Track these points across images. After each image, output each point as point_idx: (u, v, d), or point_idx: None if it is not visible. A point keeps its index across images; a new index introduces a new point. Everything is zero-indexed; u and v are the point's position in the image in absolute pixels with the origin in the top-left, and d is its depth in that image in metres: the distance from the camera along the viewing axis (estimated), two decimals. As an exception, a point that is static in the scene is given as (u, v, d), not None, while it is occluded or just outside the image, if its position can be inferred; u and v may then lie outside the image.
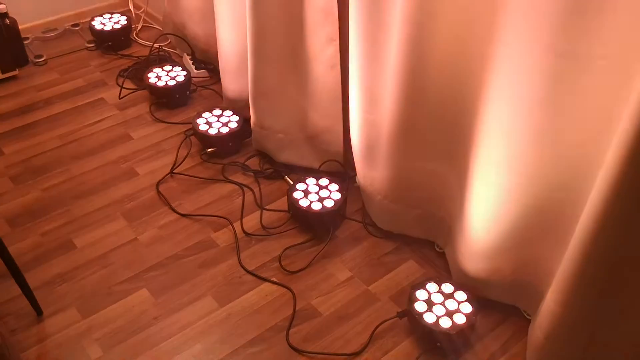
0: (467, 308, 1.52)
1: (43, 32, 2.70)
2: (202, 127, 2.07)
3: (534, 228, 1.44)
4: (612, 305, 1.26)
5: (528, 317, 1.59)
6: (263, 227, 1.85)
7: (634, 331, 1.29)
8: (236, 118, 2.11)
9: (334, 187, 1.85)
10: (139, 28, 2.77)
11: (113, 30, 2.60)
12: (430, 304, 1.53)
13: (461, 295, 1.55)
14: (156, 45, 2.57)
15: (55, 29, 2.73)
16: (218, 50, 2.13)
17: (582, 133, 1.24)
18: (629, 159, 1.06)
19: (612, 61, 1.12)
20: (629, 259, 1.19)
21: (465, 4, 1.29)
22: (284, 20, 1.74)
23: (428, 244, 1.80)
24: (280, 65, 1.84)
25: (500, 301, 1.61)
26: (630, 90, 1.06)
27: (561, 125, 1.25)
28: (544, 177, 1.34)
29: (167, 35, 2.62)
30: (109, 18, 2.65)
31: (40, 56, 2.56)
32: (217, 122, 2.09)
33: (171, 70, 2.34)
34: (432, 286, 1.57)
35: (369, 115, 1.67)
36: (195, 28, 2.40)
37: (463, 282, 1.60)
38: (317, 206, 1.79)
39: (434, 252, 1.78)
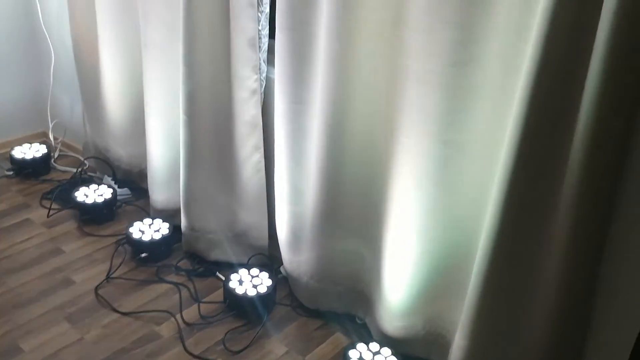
0: (394, 360, 1.80)
1: (-41, 163, 2.80)
2: (136, 235, 2.26)
3: (439, 286, 1.77)
4: (509, 332, 1.59)
5: (442, 367, 1.88)
6: (202, 317, 2.03)
7: (529, 350, 1.61)
8: (167, 225, 2.33)
9: (265, 275, 2.10)
10: (56, 156, 2.95)
11: (33, 159, 2.78)
12: (362, 360, 1.79)
13: (386, 350, 1.83)
14: (79, 169, 2.77)
15: (-29, 160, 2.84)
16: (147, 165, 2.38)
17: (466, 202, 1.63)
18: (501, 221, 1.44)
19: (480, 145, 1.55)
20: (514, 295, 1.55)
21: (369, 110, 1.70)
22: (215, 133, 2.07)
23: (350, 317, 2.07)
24: (211, 172, 2.14)
25: (417, 356, 1.89)
26: (496, 166, 1.48)
27: (451, 198, 1.64)
28: (442, 242, 1.70)
29: (88, 160, 2.83)
30: (29, 147, 2.83)
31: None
32: (149, 230, 2.30)
33: (97, 188, 2.54)
34: (361, 346, 1.84)
35: (294, 207, 1.98)
36: (119, 150, 2.64)
37: (385, 341, 1.88)
38: (252, 292, 2.02)
39: (356, 324, 2.05)
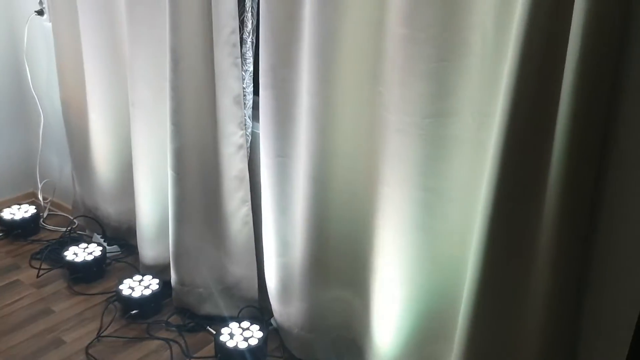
0: (386, 408, 1.80)
1: (-53, 227, 2.81)
2: (126, 292, 2.27)
3: (428, 331, 1.79)
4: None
5: (435, 413, 1.88)
6: (194, 373, 2.04)
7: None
8: (156, 281, 2.35)
9: (255, 327, 2.11)
10: (45, 215, 2.97)
11: (23, 219, 2.80)
12: (355, 410, 1.79)
13: (379, 399, 1.83)
14: (68, 228, 2.79)
15: (-40, 223, 2.85)
16: (137, 222, 2.41)
17: (450, 246, 1.67)
18: (484, 264, 1.48)
19: (459, 192, 1.61)
20: (500, 335, 1.58)
21: (351, 161, 1.76)
22: (202, 188, 2.11)
23: (342, 366, 2.08)
24: (200, 227, 2.17)
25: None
26: (476, 212, 1.53)
27: (435, 242, 1.68)
28: (429, 287, 1.74)
29: (77, 218, 2.85)
30: (18, 208, 2.85)
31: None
32: (139, 286, 2.31)
33: (87, 247, 2.56)
34: (354, 395, 1.84)
35: (282, 258, 2.01)
36: (108, 208, 2.67)
37: (378, 390, 1.88)
38: (243, 345, 2.03)
39: (348, 374, 2.06)
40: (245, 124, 2.02)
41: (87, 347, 2.12)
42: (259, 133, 1.97)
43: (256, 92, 1.99)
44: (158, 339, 2.18)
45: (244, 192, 2.08)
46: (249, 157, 2.07)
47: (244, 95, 1.99)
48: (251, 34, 1.94)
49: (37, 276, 2.51)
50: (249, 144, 2.06)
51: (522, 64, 1.29)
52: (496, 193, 1.40)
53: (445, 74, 1.48)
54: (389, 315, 1.81)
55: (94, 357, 2.07)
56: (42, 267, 2.56)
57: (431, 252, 1.69)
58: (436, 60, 1.47)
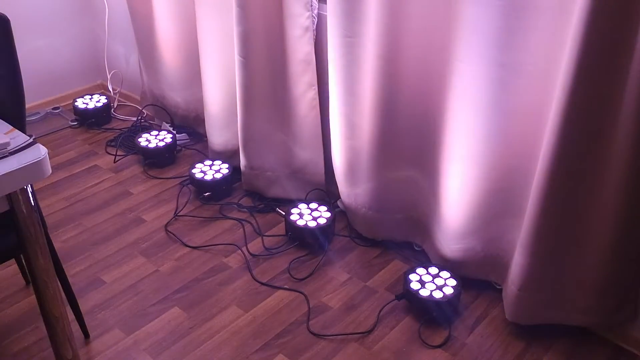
0: (453, 282, 1.87)
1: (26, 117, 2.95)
2: (198, 175, 2.38)
3: (495, 207, 1.81)
4: (566, 250, 1.64)
5: (499, 287, 1.95)
6: (266, 248, 2.15)
7: (587, 269, 1.67)
8: (226, 165, 2.43)
9: (323, 208, 2.19)
10: (115, 106, 3.08)
11: (95, 108, 2.91)
12: (422, 282, 1.87)
13: (445, 273, 1.90)
14: (138, 117, 2.89)
15: (38, 113, 2.99)
16: (205, 109, 2.47)
17: (524, 123, 1.65)
18: (559, 139, 1.47)
19: (537, 67, 1.56)
20: (572, 214, 1.59)
21: (423, 38, 1.72)
22: (269, 73, 2.13)
23: (408, 245, 2.15)
24: (267, 112, 2.21)
25: (476, 277, 1.96)
26: (553, 87, 1.49)
27: (506, 120, 1.67)
28: (498, 164, 1.74)
29: (146, 108, 2.94)
30: (90, 98, 2.96)
31: (30, 136, 2.79)
32: (210, 170, 2.41)
33: (158, 134, 2.66)
34: (421, 270, 1.92)
35: (350, 141, 2.04)
36: (175, 97, 2.73)
37: (443, 265, 1.95)
38: (312, 224, 2.12)
39: (414, 251, 2.13)
40: (312, 5, 1.99)
41: (166, 225, 2.26)
42: (325, 15, 1.94)
43: (322, -29, 1.94)
44: (231, 218, 2.29)
45: (311, 75, 2.08)
46: (316, 39, 2.05)
47: (310, -25, 1.95)
48: None
49: (114, 161, 2.64)
50: (315, 26, 2.04)
51: None
52: (578, 63, 1.36)
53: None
54: (456, 194, 1.84)
55: (173, 234, 2.21)
56: (118, 153, 2.69)
57: (504, 130, 1.68)
58: None
